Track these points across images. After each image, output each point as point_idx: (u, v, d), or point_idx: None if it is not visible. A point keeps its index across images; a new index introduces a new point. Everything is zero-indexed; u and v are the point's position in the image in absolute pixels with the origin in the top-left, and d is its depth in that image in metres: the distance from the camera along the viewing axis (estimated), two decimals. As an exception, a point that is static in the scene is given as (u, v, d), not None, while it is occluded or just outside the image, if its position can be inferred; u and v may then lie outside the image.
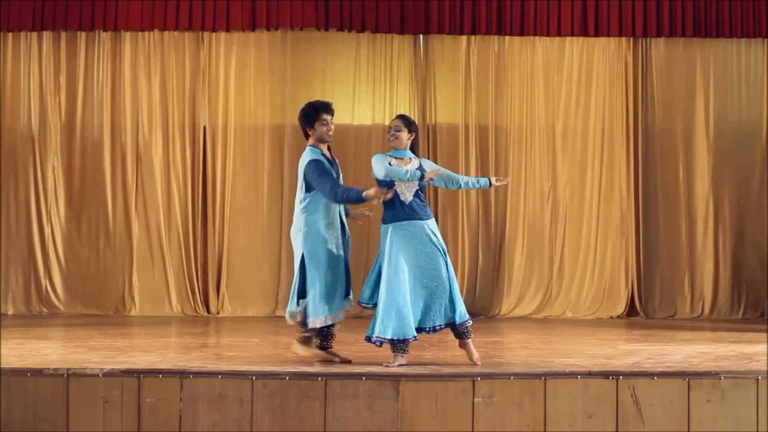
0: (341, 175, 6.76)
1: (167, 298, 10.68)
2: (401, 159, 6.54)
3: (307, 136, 6.70)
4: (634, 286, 10.75)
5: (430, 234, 6.45)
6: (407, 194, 6.46)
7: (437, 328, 6.45)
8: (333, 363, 6.53)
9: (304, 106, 6.78)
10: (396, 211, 6.45)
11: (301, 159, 6.65)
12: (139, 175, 10.77)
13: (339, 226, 6.63)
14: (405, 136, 6.57)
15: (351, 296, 6.72)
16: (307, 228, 6.54)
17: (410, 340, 6.35)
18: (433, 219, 6.59)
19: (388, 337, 6.31)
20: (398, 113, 7.29)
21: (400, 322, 6.31)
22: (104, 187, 10.76)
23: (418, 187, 6.47)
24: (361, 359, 6.70)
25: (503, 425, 5.83)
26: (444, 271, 6.43)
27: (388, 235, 6.43)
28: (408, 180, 6.40)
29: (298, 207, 6.62)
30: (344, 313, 6.68)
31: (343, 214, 6.69)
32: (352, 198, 6.44)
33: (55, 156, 10.77)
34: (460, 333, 6.49)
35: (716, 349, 7.46)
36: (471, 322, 6.53)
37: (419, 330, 6.43)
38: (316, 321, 6.52)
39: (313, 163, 6.51)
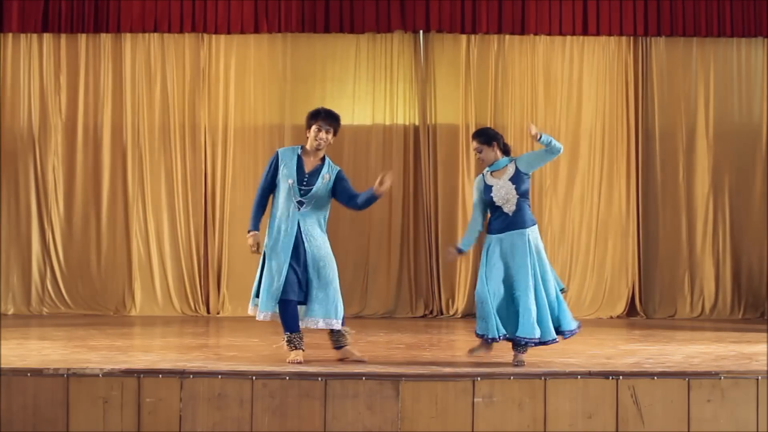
0: (323, 184, 6.58)
1: (167, 298, 10.68)
2: (497, 171, 6.50)
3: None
4: (634, 286, 10.74)
5: (528, 245, 6.39)
6: (508, 206, 6.43)
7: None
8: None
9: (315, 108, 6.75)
10: (498, 222, 6.45)
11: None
12: (139, 175, 10.76)
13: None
14: (490, 152, 6.51)
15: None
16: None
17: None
18: (536, 225, 6.52)
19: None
20: (474, 131, 6.71)
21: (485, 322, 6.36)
22: (104, 188, 10.77)
23: (517, 196, 6.41)
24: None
25: (503, 425, 5.82)
26: (531, 285, 6.34)
27: (490, 245, 6.43)
28: (505, 200, 6.41)
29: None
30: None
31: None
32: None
33: (55, 156, 10.76)
34: (519, 345, 6.39)
35: (716, 349, 7.45)
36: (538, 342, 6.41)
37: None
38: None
39: (273, 156, 6.69)
